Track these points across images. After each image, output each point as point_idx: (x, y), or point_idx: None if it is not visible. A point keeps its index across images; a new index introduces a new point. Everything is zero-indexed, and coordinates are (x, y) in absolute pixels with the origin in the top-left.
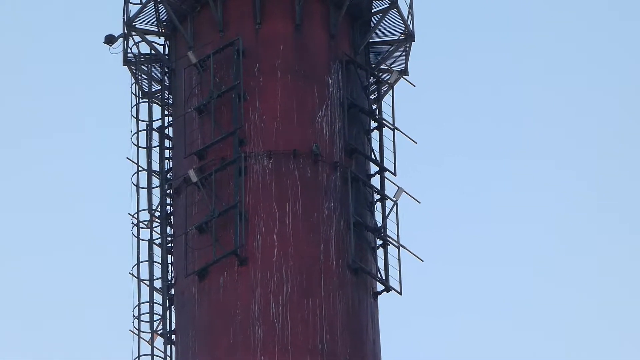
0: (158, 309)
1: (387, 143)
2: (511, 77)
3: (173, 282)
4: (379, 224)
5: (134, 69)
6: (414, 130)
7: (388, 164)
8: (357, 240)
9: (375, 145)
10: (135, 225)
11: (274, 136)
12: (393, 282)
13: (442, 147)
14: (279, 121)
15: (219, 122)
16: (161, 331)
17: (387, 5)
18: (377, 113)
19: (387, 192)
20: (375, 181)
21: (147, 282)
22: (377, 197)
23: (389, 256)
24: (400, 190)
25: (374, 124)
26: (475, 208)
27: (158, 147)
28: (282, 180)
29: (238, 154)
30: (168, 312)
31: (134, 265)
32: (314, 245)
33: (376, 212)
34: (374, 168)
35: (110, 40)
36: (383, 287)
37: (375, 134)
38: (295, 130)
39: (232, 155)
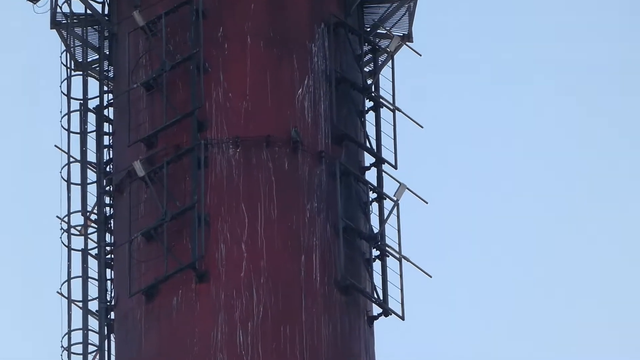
0: (94, 337)
1: (386, 128)
2: (545, 43)
3: (113, 303)
4: (376, 230)
5: (64, 33)
6: (420, 112)
7: (387, 154)
8: (348, 250)
9: (371, 130)
10: (65, 231)
11: (243, 119)
12: (393, 304)
13: (455, 133)
14: (249, 100)
15: (172, 101)
16: None
17: None
18: (373, 90)
19: (385, 190)
20: (371, 176)
21: (80, 304)
22: (373, 196)
23: (388, 271)
24: (402, 187)
25: (369, 104)
26: (495, 210)
27: (95, 133)
28: (253, 174)
29: (197, 141)
30: (106, 341)
31: (64, 282)
32: (292, 256)
33: (372, 215)
34: (369, 159)
35: None
36: (380, 310)
37: (371, 116)
38: (269, 111)
39: (190, 143)
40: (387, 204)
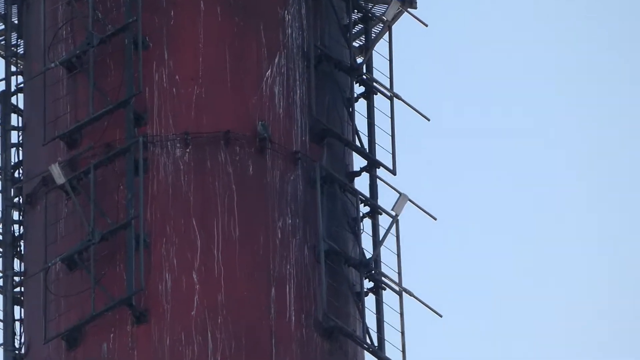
0: None
1: (382, 121)
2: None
3: (24, 351)
4: (369, 255)
5: None
6: (426, 100)
7: (383, 155)
8: (332, 281)
9: (362, 124)
10: None
11: (194, 109)
12: (391, 352)
13: (471, 128)
14: (202, 84)
15: (101, 86)
16: None
17: None
18: (364, 71)
19: (381, 202)
20: (362, 184)
21: None
22: (364, 209)
23: (385, 308)
24: (403, 198)
25: (359, 89)
26: (522, 229)
27: None
28: (207, 181)
29: (134, 138)
30: None
31: None
32: (259, 289)
33: (363, 235)
34: (359, 162)
35: None
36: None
37: (362, 106)
38: (229, 100)
39: (124, 141)
40: (384, 221)
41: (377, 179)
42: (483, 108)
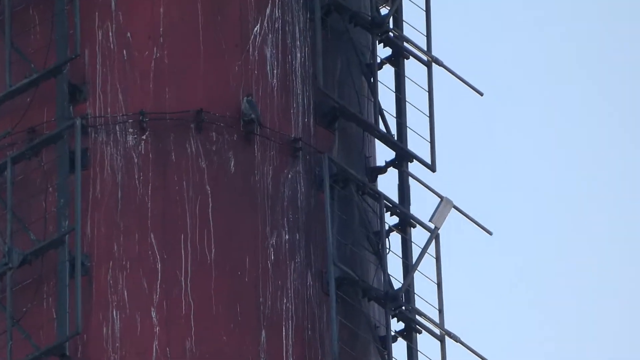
0: None
1: (415, 96)
2: None
3: None
4: (397, 284)
5: None
6: (474, 68)
7: (417, 144)
8: (347, 320)
9: (387, 100)
10: None
11: (153, 80)
12: None
13: (537, 104)
14: (164, 45)
15: (22, 48)
16: None
17: None
18: (391, 26)
19: (414, 210)
20: (389, 184)
21: None
22: (391, 220)
23: (421, 358)
24: (445, 205)
25: (384, 52)
26: (596, 247)
27: None
28: (172, 180)
29: (68, 120)
30: None
31: None
32: (244, 332)
33: (390, 256)
34: (384, 154)
35: None
36: None
37: (387, 75)
38: (202, 67)
39: (55, 125)
40: (418, 236)
41: (410, 178)
42: (557, 77)
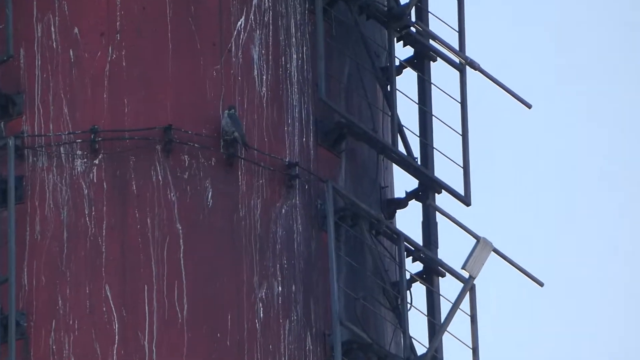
0: None
1: (444, 108)
2: None
3: None
4: (421, 349)
5: None
6: (520, 76)
7: (447, 170)
8: None
9: (408, 114)
10: None
11: (108, 89)
12: None
13: (594, 122)
14: (122, 43)
15: None
16: None
17: None
18: (413, 19)
19: (443, 255)
20: (411, 221)
21: None
22: (413, 267)
23: None
24: (483, 247)
25: (405, 52)
26: None
27: None
28: (132, 216)
29: (2, 140)
30: None
31: None
32: None
33: (412, 313)
34: (405, 182)
35: None
36: None
37: (408, 81)
38: (170, 70)
39: None
40: (448, 288)
41: (437, 214)
42: (622, 86)
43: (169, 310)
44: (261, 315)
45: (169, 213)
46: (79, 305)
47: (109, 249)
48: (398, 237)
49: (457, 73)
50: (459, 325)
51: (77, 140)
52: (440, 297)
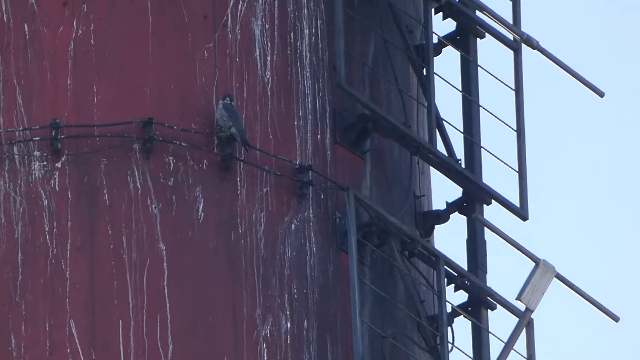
0: None
1: (494, 98)
2: None
3: None
4: None
5: None
6: (588, 57)
7: (498, 176)
8: None
9: (449, 104)
10: None
11: (72, 74)
12: None
13: None
14: (88, 18)
15: None
16: None
17: None
18: None
19: (492, 282)
20: (451, 239)
21: None
22: (455, 298)
23: None
24: (543, 273)
25: (444, 26)
26: None
27: None
28: (103, 232)
29: None
30: None
31: None
32: None
33: (451, 352)
34: (446, 191)
35: None
36: None
37: (448, 63)
38: (149, 51)
39: None
40: (499, 323)
41: (486, 230)
42: None
43: (150, 351)
44: (265, 357)
45: (149, 229)
46: (36, 345)
47: (75, 274)
48: (437, 260)
49: (511, 53)
50: None
51: (34, 138)
52: (490, 334)
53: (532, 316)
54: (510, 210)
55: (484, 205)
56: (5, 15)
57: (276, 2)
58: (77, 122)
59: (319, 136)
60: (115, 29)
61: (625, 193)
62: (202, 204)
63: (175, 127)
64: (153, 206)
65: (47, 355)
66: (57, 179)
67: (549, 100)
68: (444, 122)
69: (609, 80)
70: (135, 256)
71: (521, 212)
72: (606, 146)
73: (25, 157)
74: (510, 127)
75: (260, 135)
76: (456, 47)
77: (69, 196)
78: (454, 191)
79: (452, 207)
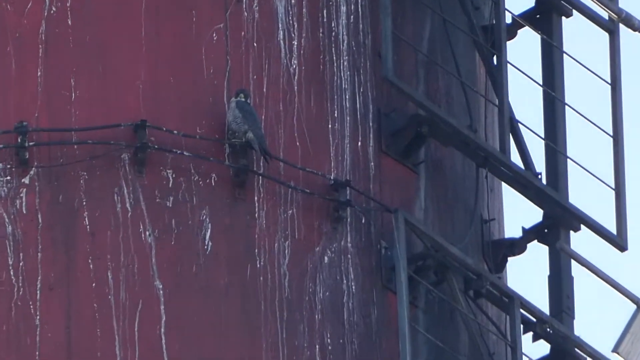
0: None
1: (582, 94)
2: None
3: None
4: None
5: None
6: None
7: (586, 195)
8: None
9: (525, 104)
10: None
11: (44, 64)
12: None
13: None
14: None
15: None
16: None
17: None
18: None
19: (581, 330)
20: (528, 275)
21: None
22: (534, 350)
23: None
24: None
25: (519, 4)
26: None
27: None
28: (82, 264)
29: None
30: None
31: None
32: None
33: None
34: (520, 213)
35: None
36: None
37: (525, 49)
38: (142, 40)
39: None
40: None
41: (572, 262)
42: None
43: None
44: None
45: (142, 263)
46: None
47: (47, 320)
48: (510, 302)
49: (606, 36)
50: None
51: (6, 155)
52: None
53: None
54: (604, 239)
55: (571, 232)
56: None
57: None
58: (49, 125)
59: (359, 143)
60: (99, 6)
61: None
62: (209, 231)
63: (175, 132)
64: (147, 233)
65: None
66: (24, 199)
67: None
68: (519, 125)
69: None
70: (124, 297)
71: (618, 241)
72: None
73: None
74: (605, 132)
75: (284, 142)
76: (536, 28)
77: (39, 220)
78: (533, 214)
79: (530, 234)
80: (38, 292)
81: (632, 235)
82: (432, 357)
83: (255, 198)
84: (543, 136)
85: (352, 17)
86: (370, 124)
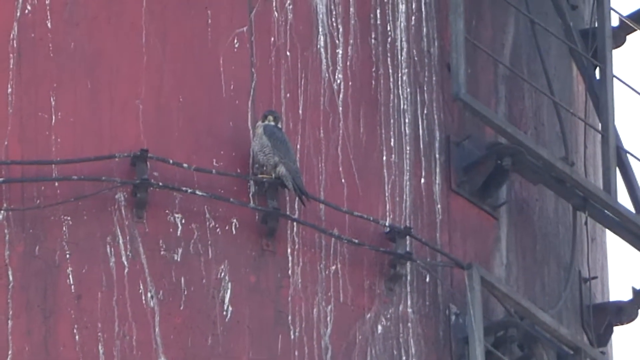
0: None
1: None
2: None
3: None
4: None
5: None
6: None
7: None
8: None
9: (638, 126)
10: None
11: (17, 77)
12: None
13: None
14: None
15: None
16: None
17: None
18: None
19: None
20: (636, 347)
21: None
22: None
23: None
24: None
25: (627, 3)
26: None
27: None
28: (63, 335)
29: None
30: None
31: None
32: None
33: None
34: (629, 267)
35: None
36: None
37: (635, 57)
38: (140, 45)
39: None
40: None
41: None
42: None
43: None
44: None
45: (143, 334)
46: None
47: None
48: None
49: None
50: None
51: None
52: None
53: None
54: None
55: None
56: None
57: None
58: (23, 157)
59: (422, 180)
60: (87, 5)
61: None
62: (229, 292)
63: (185, 165)
64: (149, 295)
65: None
66: (8, 245)
67: None
68: (628, 156)
69: None
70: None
71: None
72: None
73: None
74: None
75: (325, 179)
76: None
77: (10, 279)
78: None
79: None
80: None
81: None
82: None
83: (289, 250)
84: None
85: (413, 18)
86: (437, 155)
